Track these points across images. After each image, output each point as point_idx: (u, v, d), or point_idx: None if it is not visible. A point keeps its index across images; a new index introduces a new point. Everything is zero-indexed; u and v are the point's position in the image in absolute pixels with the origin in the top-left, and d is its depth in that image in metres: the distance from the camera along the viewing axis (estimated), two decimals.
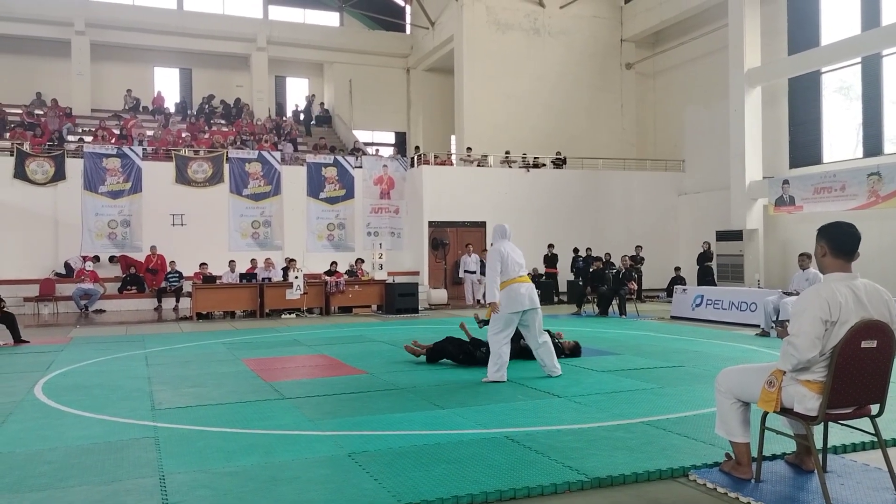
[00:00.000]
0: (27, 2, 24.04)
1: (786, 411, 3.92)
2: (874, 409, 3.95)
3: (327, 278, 16.76)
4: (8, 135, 20.64)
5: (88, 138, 21.29)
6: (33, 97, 24.15)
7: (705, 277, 18.73)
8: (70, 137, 21.59)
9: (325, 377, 8.12)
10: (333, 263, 17.43)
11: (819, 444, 4.24)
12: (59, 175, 18.71)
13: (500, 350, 7.55)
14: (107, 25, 24.87)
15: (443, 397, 6.77)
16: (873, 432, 3.98)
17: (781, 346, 3.84)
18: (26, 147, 18.92)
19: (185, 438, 5.36)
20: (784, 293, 11.50)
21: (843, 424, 4.18)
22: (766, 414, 4.04)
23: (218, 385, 7.62)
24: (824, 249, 3.86)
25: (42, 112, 22.93)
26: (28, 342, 11.39)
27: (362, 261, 18.24)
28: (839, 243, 3.81)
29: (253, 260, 17.28)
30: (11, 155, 18.58)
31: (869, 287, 3.79)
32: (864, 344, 3.67)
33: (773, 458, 4.61)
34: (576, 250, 20.03)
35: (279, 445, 5.11)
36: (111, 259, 18.75)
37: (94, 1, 25.20)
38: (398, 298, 16.30)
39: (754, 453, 4.21)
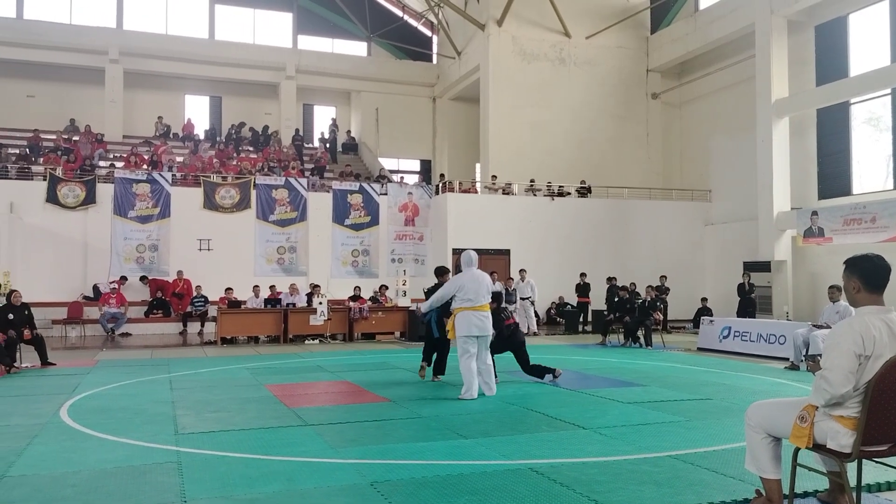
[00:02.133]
0: (64, 31, 24.71)
1: (818, 447, 3.82)
2: None
3: (351, 304, 16.79)
4: (42, 160, 21.09)
5: (120, 164, 21.67)
6: (67, 123, 24.72)
7: (746, 310, 17.71)
8: (102, 163, 22.00)
9: (348, 404, 8.09)
10: (357, 289, 17.47)
11: (853, 482, 4.12)
12: (90, 199, 19.04)
13: (466, 371, 8.28)
14: (140, 54, 25.45)
15: (466, 427, 6.71)
16: None
17: (814, 380, 3.76)
18: (59, 172, 19.31)
19: (208, 464, 5.35)
20: (814, 326, 11.31)
21: (878, 462, 4.06)
22: (797, 450, 3.94)
23: (241, 410, 7.62)
24: (858, 286, 3.77)
25: (76, 138, 23.42)
26: (54, 364, 11.51)
27: (386, 287, 18.25)
28: (873, 278, 3.74)
29: (272, 287, 17.28)
30: (44, 180, 18.97)
31: None
32: None
33: (805, 495, 4.49)
34: (609, 280, 18.96)
35: (301, 473, 5.08)
36: (142, 279, 18.96)
37: (128, 30, 25.85)
38: (422, 325, 16.20)
39: (786, 490, 4.10)
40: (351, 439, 6.23)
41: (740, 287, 18.33)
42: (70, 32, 24.82)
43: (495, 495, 4.52)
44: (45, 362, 11.45)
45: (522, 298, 17.93)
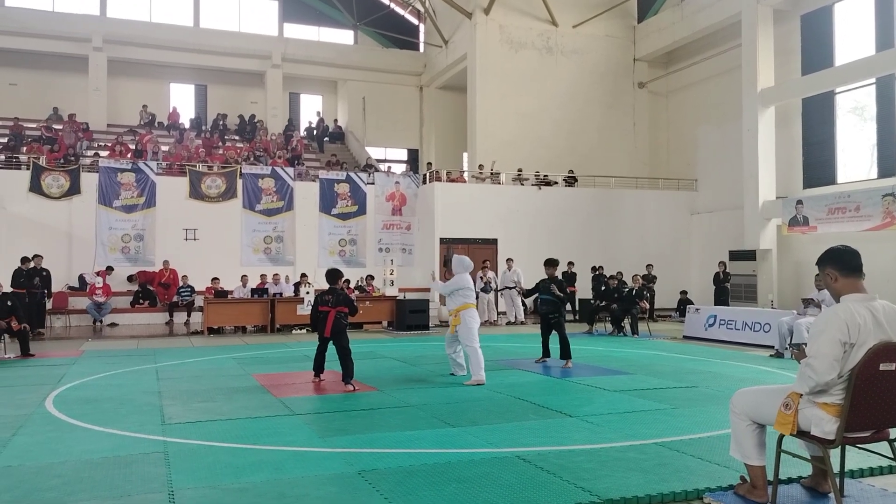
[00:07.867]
0: (46, 18, 24.40)
1: (802, 434, 3.86)
2: (893, 432, 3.89)
3: None
4: (25, 149, 20.85)
5: (104, 153, 21.47)
6: (51, 112, 24.44)
7: (721, 298, 18.59)
8: (86, 152, 21.78)
9: (335, 394, 8.09)
10: (345, 281, 17.41)
11: (836, 468, 4.17)
12: (74, 189, 18.85)
13: (480, 357, 8.87)
14: (124, 42, 25.17)
15: (454, 415, 6.72)
16: (892, 456, 3.91)
17: (799, 368, 3.79)
18: (42, 161, 19.10)
19: (195, 454, 5.34)
20: (804, 301, 11.22)
21: (860, 448, 4.11)
22: (782, 436, 3.98)
23: (228, 400, 7.60)
24: (834, 274, 3.81)
25: (59, 127, 23.17)
26: (34, 356, 11.39)
27: (372, 277, 18.22)
28: (846, 262, 3.78)
29: (262, 275, 17.34)
30: (28, 169, 18.77)
31: (888, 308, 3.74)
32: (882, 366, 3.61)
33: (789, 481, 4.54)
34: (594, 269, 19.45)
35: (288, 462, 5.08)
36: (129, 279, 18.86)
37: (111, 18, 25.55)
38: (409, 315, 16.28)
39: (770, 476, 4.14)
40: (338, 428, 6.23)
41: (716, 276, 19.24)
42: (52, 20, 24.50)
43: (483, 483, 4.54)
44: (25, 353, 11.34)
45: (509, 287, 17.93)
